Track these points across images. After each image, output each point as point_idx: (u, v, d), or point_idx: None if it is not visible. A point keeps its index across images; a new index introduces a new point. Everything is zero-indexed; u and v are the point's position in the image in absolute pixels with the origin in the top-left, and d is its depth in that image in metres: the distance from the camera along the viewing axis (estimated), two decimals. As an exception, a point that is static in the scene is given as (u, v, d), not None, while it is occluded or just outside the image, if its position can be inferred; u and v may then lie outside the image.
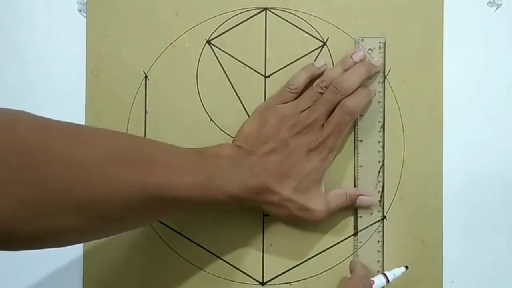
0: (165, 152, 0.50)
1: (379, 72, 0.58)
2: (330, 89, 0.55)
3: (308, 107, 0.56)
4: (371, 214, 0.58)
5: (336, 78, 0.56)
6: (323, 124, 0.55)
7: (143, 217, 0.49)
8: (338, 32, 0.59)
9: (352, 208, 0.58)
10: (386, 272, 0.56)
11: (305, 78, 0.57)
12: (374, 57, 0.58)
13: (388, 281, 0.55)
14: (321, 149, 0.55)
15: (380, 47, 0.58)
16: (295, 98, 0.57)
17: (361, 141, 0.58)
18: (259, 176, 0.53)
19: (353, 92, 0.55)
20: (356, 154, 0.58)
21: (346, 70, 0.57)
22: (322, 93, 0.55)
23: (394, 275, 0.56)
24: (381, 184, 0.58)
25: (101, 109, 0.59)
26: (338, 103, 0.55)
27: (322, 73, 0.57)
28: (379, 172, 0.58)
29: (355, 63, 0.57)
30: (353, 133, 0.58)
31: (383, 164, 0.58)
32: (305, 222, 0.56)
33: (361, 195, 0.57)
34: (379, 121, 0.58)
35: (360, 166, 0.58)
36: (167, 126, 0.59)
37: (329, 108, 0.55)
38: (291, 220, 0.56)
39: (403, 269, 0.56)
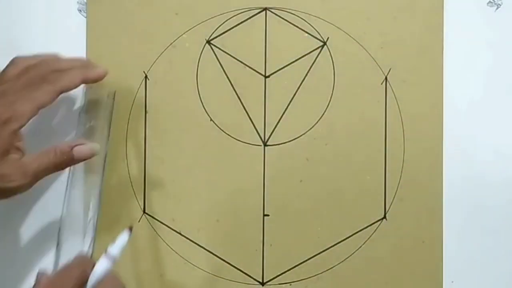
0: None
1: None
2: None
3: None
4: None
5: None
6: None
7: None
8: (338, 32, 0.59)
9: (72, 163, 0.54)
10: (107, 249, 0.47)
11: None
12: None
13: (113, 259, 0.47)
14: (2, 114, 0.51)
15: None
16: None
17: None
18: None
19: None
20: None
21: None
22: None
23: (115, 244, 0.47)
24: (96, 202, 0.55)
25: (101, 109, 0.59)
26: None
27: None
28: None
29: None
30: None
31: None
32: (10, 193, 0.52)
33: (77, 145, 0.53)
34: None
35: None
36: (167, 126, 0.59)
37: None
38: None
39: (126, 235, 0.47)
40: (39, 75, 0.53)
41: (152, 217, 0.59)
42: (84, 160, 0.54)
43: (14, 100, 0.52)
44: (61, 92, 0.53)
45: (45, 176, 0.53)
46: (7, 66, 0.54)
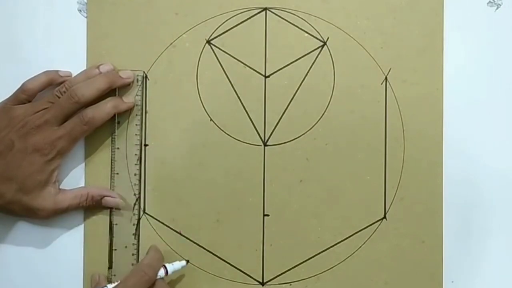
0: None
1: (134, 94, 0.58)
2: (66, 95, 0.55)
3: (44, 109, 0.56)
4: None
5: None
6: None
7: None
8: (338, 32, 0.59)
9: (101, 207, 0.58)
10: (166, 264, 0.56)
11: (43, 82, 0.57)
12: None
13: (167, 272, 0.56)
14: (47, 150, 0.55)
15: (138, 80, 0.58)
16: (30, 100, 0.57)
17: (118, 148, 0.58)
18: None
19: (96, 103, 0.56)
20: (113, 162, 0.58)
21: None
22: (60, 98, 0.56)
23: (173, 266, 0.57)
24: (137, 187, 0.59)
25: (101, 109, 0.59)
26: (77, 110, 0.56)
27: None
28: (135, 175, 0.59)
29: (100, 73, 0.57)
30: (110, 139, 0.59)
31: (139, 161, 0.58)
32: (33, 218, 0.57)
33: (107, 196, 0.58)
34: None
35: (117, 173, 0.58)
36: (167, 126, 0.59)
37: (62, 112, 0.55)
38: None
39: (183, 263, 0.57)
40: (73, 108, 0.55)
41: (152, 217, 0.59)
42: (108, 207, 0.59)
43: (55, 138, 0.55)
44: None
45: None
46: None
